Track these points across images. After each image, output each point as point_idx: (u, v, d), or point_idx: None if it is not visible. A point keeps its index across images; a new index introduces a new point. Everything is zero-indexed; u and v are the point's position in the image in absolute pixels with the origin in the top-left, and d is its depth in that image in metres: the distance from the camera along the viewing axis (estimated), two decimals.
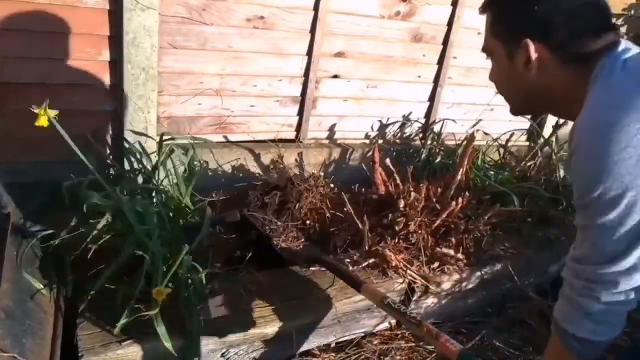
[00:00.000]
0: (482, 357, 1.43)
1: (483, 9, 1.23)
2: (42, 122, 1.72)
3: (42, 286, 1.60)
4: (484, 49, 1.27)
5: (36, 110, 1.66)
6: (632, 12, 3.50)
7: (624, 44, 1.07)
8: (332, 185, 2.57)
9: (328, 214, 2.41)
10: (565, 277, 1.12)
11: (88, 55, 2.11)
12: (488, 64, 3.43)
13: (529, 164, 2.98)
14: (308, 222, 2.41)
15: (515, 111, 1.28)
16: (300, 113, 2.79)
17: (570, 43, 1.07)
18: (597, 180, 0.97)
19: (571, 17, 1.06)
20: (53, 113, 1.68)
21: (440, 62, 3.05)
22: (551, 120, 3.47)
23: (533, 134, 3.49)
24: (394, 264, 2.15)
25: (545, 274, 2.65)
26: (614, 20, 1.12)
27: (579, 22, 1.07)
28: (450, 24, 2.96)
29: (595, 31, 1.07)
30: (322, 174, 2.72)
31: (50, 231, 1.77)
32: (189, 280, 1.68)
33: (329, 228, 2.40)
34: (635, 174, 0.94)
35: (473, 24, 3.02)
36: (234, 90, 2.55)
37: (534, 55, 1.10)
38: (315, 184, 2.50)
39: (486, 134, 3.28)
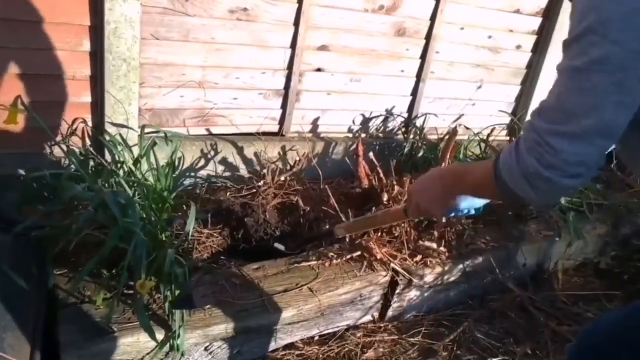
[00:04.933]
0: None
1: None
2: (12, 120, 1.69)
3: (22, 280, 1.57)
4: None
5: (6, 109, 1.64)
6: None
7: None
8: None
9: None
10: (523, 128, 1.06)
11: (68, 46, 2.07)
12: (470, 58, 3.44)
13: None
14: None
15: None
16: (284, 106, 2.78)
17: None
18: (583, 16, 0.90)
19: None
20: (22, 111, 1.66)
21: (423, 56, 3.06)
22: None
23: (514, 129, 3.54)
24: (379, 257, 2.17)
25: (525, 267, 2.69)
26: None
27: None
28: (433, 18, 2.96)
29: None
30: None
31: (30, 224, 1.73)
32: (173, 273, 1.67)
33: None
34: (625, 27, 0.86)
35: (456, 18, 3.04)
36: (216, 83, 2.53)
37: None
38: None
39: (467, 128, 3.31)
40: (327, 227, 2.07)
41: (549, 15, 3.34)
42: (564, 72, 0.95)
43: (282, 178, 2.55)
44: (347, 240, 2.21)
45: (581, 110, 0.92)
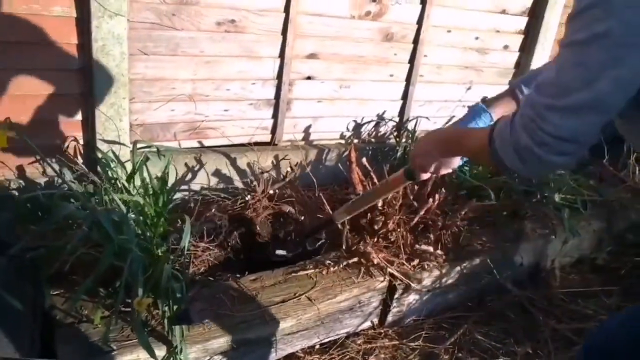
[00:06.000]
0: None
1: None
2: (1, 142, 1.69)
3: (17, 301, 1.56)
4: None
5: None
6: None
7: None
8: None
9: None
10: (522, 104, 1.07)
11: (56, 65, 2.07)
12: (458, 61, 3.43)
13: None
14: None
15: None
16: (275, 115, 2.78)
17: None
18: None
19: None
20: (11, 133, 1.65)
21: (412, 60, 3.07)
22: None
23: None
24: (375, 262, 2.17)
25: (522, 267, 2.70)
26: None
27: None
28: (420, 22, 2.97)
29: None
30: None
31: (24, 245, 1.72)
32: (170, 289, 1.66)
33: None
34: (630, 3, 0.84)
35: (442, 22, 3.06)
36: (207, 95, 2.53)
37: None
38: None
39: None
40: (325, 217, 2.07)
41: (535, 14, 3.36)
42: (565, 47, 0.96)
43: (272, 192, 2.54)
44: (344, 247, 2.21)
45: (576, 85, 0.93)
